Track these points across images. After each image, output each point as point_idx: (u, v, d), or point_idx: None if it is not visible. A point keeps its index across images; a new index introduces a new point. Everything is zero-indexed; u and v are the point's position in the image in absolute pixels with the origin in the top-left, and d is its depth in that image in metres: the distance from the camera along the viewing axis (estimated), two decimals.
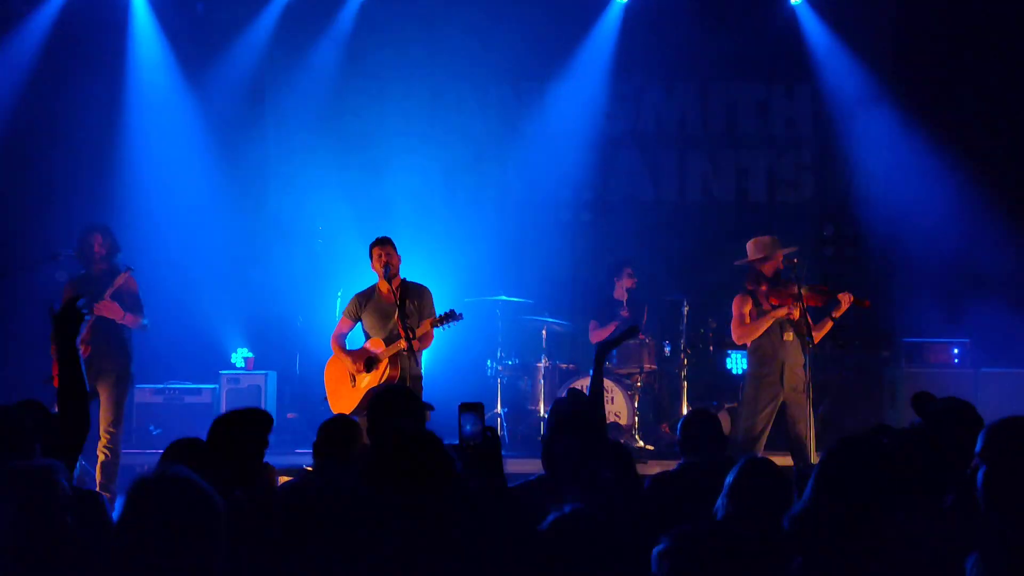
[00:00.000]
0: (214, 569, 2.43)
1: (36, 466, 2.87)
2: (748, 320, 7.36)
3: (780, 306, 7.25)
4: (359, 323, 7.49)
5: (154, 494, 2.48)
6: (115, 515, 3.04)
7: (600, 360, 5.10)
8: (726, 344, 9.40)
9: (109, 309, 7.30)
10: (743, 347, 8.20)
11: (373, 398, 4.22)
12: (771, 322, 7.27)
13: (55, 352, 7.01)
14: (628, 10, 10.43)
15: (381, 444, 3.02)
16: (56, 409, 3.98)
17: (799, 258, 7.36)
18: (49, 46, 9.69)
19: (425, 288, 7.48)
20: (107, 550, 2.57)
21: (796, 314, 7.18)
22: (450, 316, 7.20)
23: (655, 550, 2.58)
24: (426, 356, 7.49)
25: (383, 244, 7.39)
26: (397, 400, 4.21)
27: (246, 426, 3.91)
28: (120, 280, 7.37)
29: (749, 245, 7.52)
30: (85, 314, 3.97)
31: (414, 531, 2.64)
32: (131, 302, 7.44)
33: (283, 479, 5.36)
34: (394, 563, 2.50)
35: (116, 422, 7.36)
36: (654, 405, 9.39)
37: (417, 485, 2.79)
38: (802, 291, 7.15)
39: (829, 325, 7.32)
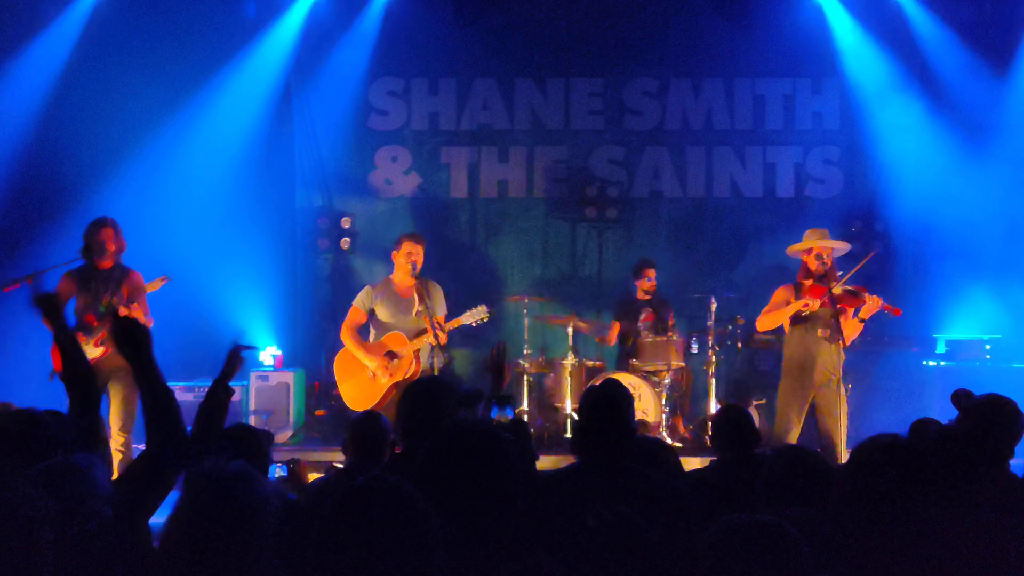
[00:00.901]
0: (265, 562, 2.41)
1: (76, 462, 2.88)
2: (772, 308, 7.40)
3: (805, 302, 7.24)
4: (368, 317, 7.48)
5: (213, 488, 2.46)
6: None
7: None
8: (754, 341, 9.37)
9: (133, 314, 7.29)
10: (770, 344, 8.20)
11: (407, 390, 4.11)
12: (790, 314, 7.27)
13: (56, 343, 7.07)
14: (653, 5, 10.38)
15: (439, 439, 2.93)
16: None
17: (843, 257, 7.38)
18: (77, 48, 9.74)
19: (437, 284, 7.49)
20: (149, 544, 2.57)
21: (815, 307, 7.15)
22: (481, 311, 7.22)
23: (702, 541, 2.55)
24: (453, 353, 7.49)
25: (417, 241, 7.38)
26: (434, 392, 4.08)
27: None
28: (157, 284, 7.36)
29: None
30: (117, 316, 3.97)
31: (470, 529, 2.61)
32: (145, 304, 7.44)
33: (312, 476, 5.37)
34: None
35: (130, 421, 7.37)
36: (681, 402, 9.35)
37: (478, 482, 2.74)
38: (834, 291, 7.13)
39: (860, 327, 7.30)
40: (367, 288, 7.57)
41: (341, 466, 4.92)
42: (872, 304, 7.11)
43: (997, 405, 4.07)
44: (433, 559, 2.22)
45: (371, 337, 7.88)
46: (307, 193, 10.52)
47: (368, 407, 7.16)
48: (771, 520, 2.52)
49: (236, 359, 4.11)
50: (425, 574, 2.19)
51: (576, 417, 8.82)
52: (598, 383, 4.16)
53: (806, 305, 7.21)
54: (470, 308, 7.41)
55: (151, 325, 7.43)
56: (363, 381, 7.32)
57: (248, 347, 4.27)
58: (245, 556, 2.38)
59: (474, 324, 7.38)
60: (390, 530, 2.20)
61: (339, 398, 8.24)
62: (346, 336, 7.50)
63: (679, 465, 4.30)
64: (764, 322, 7.52)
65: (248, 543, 2.39)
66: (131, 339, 3.41)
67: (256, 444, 4.15)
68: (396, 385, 7.19)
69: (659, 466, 4.03)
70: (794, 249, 7.56)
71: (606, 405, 3.73)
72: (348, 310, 8.04)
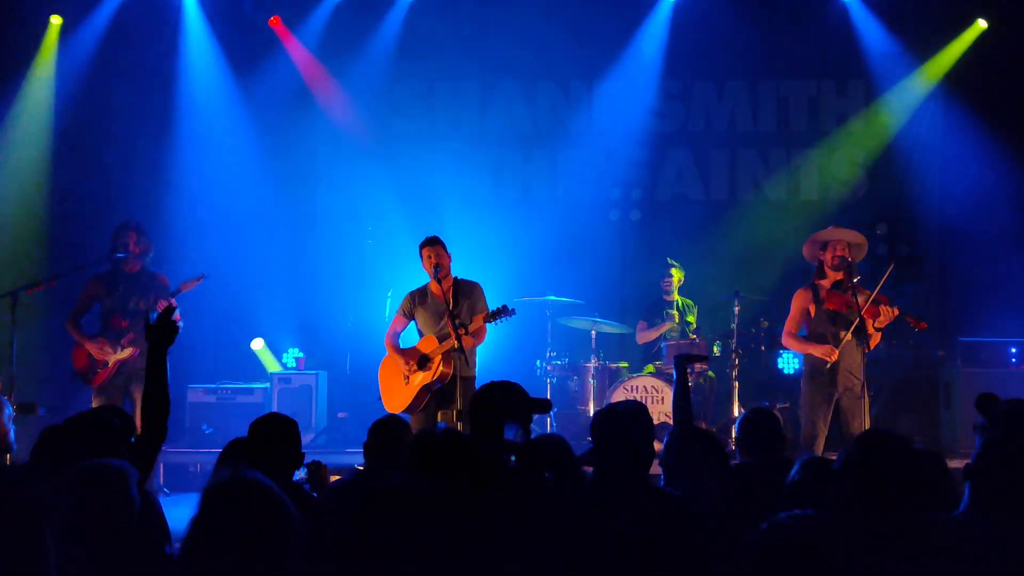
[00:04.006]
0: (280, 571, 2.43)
1: (108, 465, 2.90)
2: (796, 325, 7.33)
3: (822, 341, 7.18)
4: (412, 322, 7.51)
5: (230, 499, 2.48)
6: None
7: (682, 370, 5.05)
8: (777, 344, 9.31)
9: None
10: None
11: (478, 393, 4.16)
12: (808, 351, 7.22)
13: (96, 353, 7.11)
14: (677, 9, 10.35)
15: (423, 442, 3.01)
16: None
17: (860, 260, 7.32)
18: (102, 49, 9.81)
19: (476, 284, 7.47)
20: (169, 553, 2.59)
21: (835, 357, 7.09)
22: (502, 311, 7.18)
23: (744, 541, 2.55)
24: (478, 356, 7.47)
25: (432, 245, 7.38)
26: (511, 395, 4.08)
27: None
28: (192, 284, 7.39)
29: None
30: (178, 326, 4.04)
31: (469, 530, 2.64)
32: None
33: (334, 478, 5.37)
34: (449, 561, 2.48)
35: None
36: (704, 405, 9.31)
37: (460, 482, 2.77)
38: (859, 298, 7.06)
39: (879, 335, 7.24)
40: (408, 295, 7.59)
41: (362, 468, 4.92)
42: (886, 315, 7.03)
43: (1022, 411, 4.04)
44: (443, 558, 2.23)
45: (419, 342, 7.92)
46: (329, 195, 10.53)
47: (403, 408, 7.19)
48: (808, 522, 2.53)
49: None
50: (434, 573, 2.19)
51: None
52: (616, 395, 4.17)
53: (826, 355, 7.13)
54: (492, 308, 7.41)
55: (180, 327, 7.47)
56: (399, 385, 7.36)
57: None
58: (263, 564, 2.38)
59: (496, 324, 7.37)
60: (402, 530, 2.21)
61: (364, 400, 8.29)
62: (387, 342, 7.55)
63: (725, 457, 4.27)
64: (788, 344, 7.48)
65: (265, 551, 2.39)
66: (167, 337, 4.05)
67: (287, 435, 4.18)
68: (426, 387, 7.19)
69: (706, 456, 4.05)
70: (811, 244, 7.48)
71: (623, 431, 3.72)
72: (371, 312, 8.09)
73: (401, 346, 7.46)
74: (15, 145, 9.63)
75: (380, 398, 7.47)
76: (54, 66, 9.77)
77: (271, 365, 9.74)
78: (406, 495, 2.21)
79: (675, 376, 4.89)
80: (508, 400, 3.94)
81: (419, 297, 7.48)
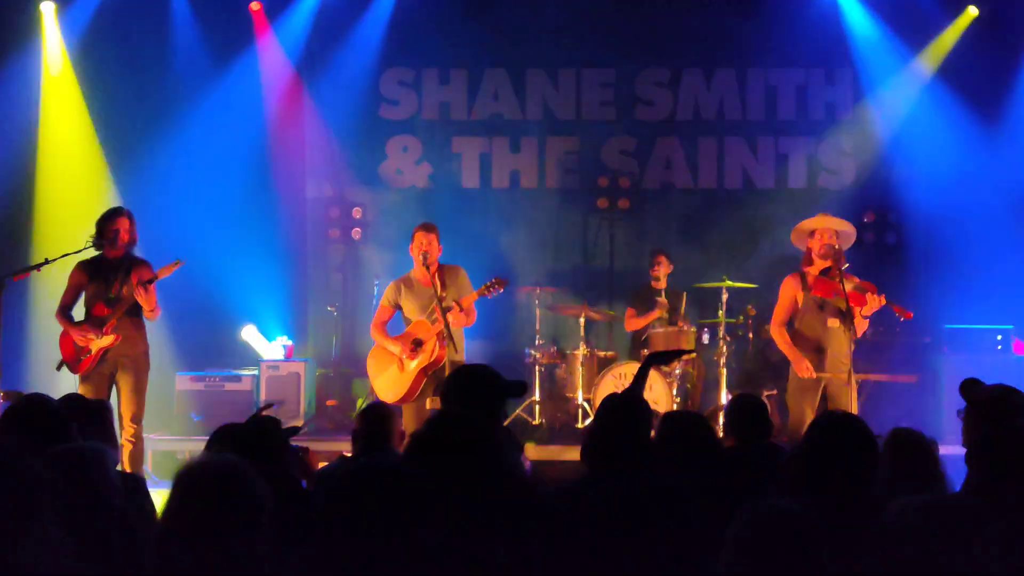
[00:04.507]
0: (259, 555, 2.43)
1: (86, 448, 2.89)
2: (785, 313, 7.35)
3: (810, 330, 7.21)
4: (399, 311, 7.52)
5: (202, 480, 2.48)
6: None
7: (647, 367, 5.00)
8: (765, 331, 9.34)
9: (147, 297, 7.28)
10: None
11: (451, 377, 4.04)
12: (790, 357, 7.24)
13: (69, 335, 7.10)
14: None
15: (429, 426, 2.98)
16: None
17: (845, 248, 7.34)
18: (89, 35, 9.76)
19: (459, 267, 7.49)
20: (152, 532, 2.59)
21: (809, 375, 7.11)
22: (495, 283, 7.22)
23: (730, 528, 2.57)
24: (466, 343, 7.49)
25: (428, 231, 7.38)
26: (479, 380, 3.96)
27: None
28: (169, 270, 7.34)
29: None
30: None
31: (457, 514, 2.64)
32: (154, 293, 7.43)
33: (322, 464, 5.38)
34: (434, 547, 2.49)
35: (140, 411, 7.37)
36: (692, 393, 9.34)
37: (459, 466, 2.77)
38: (846, 285, 7.08)
39: (866, 323, 7.27)
40: (392, 284, 7.59)
41: (349, 455, 4.93)
42: (874, 303, 7.06)
43: (1005, 396, 4.07)
44: (435, 536, 2.23)
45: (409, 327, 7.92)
46: (318, 183, 10.52)
47: (401, 395, 7.20)
48: (795, 507, 2.55)
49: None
50: (427, 551, 2.20)
51: (590, 414, 8.85)
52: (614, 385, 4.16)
53: (807, 369, 7.17)
54: (485, 281, 7.42)
55: (158, 315, 7.45)
56: (393, 372, 7.34)
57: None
58: (239, 546, 2.39)
59: (490, 296, 7.39)
60: (391, 507, 2.21)
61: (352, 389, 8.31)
62: (374, 332, 7.53)
63: (716, 442, 4.29)
64: (777, 336, 7.46)
65: (241, 534, 2.40)
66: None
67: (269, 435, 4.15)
68: (424, 370, 7.21)
69: (698, 441, 4.08)
70: (798, 231, 7.52)
71: (624, 417, 3.72)
72: (358, 299, 8.08)
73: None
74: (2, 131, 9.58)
75: (371, 390, 7.46)
76: (50, 50, 9.70)
77: (263, 351, 9.72)
78: (398, 476, 2.22)
79: (640, 372, 4.82)
80: (481, 384, 3.86)
81: (404, 285, 7.48)
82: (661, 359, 5.43)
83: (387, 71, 10.52)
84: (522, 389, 4.03)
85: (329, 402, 9.68)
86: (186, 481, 2.51)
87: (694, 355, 9.06)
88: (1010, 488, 3.08)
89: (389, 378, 7.35)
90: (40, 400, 3.98)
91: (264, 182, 10.10)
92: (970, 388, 4.39)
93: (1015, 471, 3.11)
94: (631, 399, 3.91)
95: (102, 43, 9.74)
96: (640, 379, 4.76)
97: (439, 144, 10.57)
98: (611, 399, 3.98)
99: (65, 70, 9.74)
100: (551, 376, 9.53)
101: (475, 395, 3.78)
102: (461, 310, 7.11)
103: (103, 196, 9.34)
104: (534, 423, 9.11)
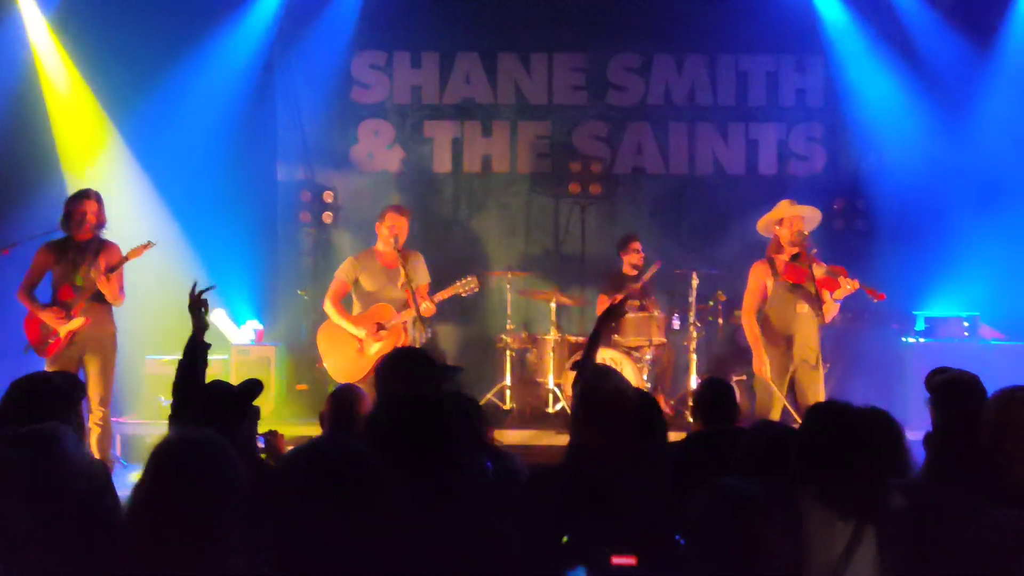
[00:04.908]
0: (232, 530, 2.43)
1: (42, 430, 2.87)
2: (755, 299, 7.39)
3: (780, 315, 7.26)
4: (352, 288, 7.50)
5: (178, 454, 2.47)
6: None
7: (598, 331, 4.94)
8: (735, 317, 9.40)
9: (109, 286, 7.24)
10: None
11: (387, 361, 4.04)
12: (754, 349, 7.29)
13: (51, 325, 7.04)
14: None
15: (388, 409, 2.99)
16: None
17: (812, 233, 7.40)
18: (55, 18, 9.64)
19: (419, 254, 7.51)
20: (118, 513, 2.58)
21: (761, 373, 7.16)
22: (471, 282, 7.23)
23: (687, 508, 2.59)
24: (439, 328, 7.50)
25: (402, 214, 7.39)
26: (415, 364, 4.02)
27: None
28: (139, 251, 7.30)
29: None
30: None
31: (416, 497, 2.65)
32: (121, 278, 7.39)
33: (289, 448, 5.37)
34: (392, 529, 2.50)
35: (107, 394, 7.35)
36: (662, 378, 9.39)
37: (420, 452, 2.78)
38: (815, 270, 7.13)
39: (836, 307, 7.33)
40: (350, 259, 7.58)
41: (318, 438, 4.91)
42: (847, 287, 7.12)
43: (960, 381, 4.15)
44: (394, 519, 2.24)
45: (355, 309, 7.87)
46: (289, 167, 10.46)
47: (358, 379, 7.17)
48: (747, 487, 2.57)
49: (199, 306, 4.19)
50: (386, 533, 2.21)
51: (561, 399, 8.87)
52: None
53: (756, 366, 7.26)
54: (459, 279, 7.41)
55: (123, 301, 7.40)
56: (351, 353, 7.33)
57: (206, 288, 4.35)
58: (213, 522, 2.39)
59: (464, 295, 7.40)
60: (348, 491, 2.22)
61: (323, 372, 8.26)
62: (330, 307, 7.49)
63: (665, 427, 4.32)
64: (746, 324, 7.51)
65: (215, 509, 2.40)
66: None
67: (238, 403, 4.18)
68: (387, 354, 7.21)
69: (648, 423, 4.09)
70: (765, 221, 7.57)
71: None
72: (329, 283, 8.03)
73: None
74: None
75: (320, 364, 7.41)
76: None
77: (231, 336, 9.68)
78: (346, 457, 2.22)
79: (592, 336, 4.79)
80: (415, 369, 3.85)
81: (364, 261, 7.46)
82: (612, 314, 5.29)
83: (359, 54, 10.47)
84: (455, 372, 4.05)
85: (299, 386, 9.66)
86: (163, 455, 2.50)
87: (664, 341, 9.10)
88: (961, 470, 3.14)
89: (346, 359, 7.33)
90: (43, 377, 4.00)
91: (235, 165, 10.00)
92: (930, 376, 4.46)
93: (963, 454, 3.17)
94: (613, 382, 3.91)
95: (68, 21, 9.61)
96: (593, 344, 4.75)
97: (411, 128, 10.54)
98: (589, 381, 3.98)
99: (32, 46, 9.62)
100: (522, 361, 9.55)
101: (410, 378, 3.79)
102: (430, 300, 7.11)
103: (72, 179, 9.24)
104: (505, 408, 9.13)
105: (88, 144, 9.72)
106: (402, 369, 3.91)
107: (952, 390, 4.14)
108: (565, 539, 2.97)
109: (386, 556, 2.18)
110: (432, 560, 2.43)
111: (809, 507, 2.91)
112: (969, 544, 2.95)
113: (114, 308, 7.45)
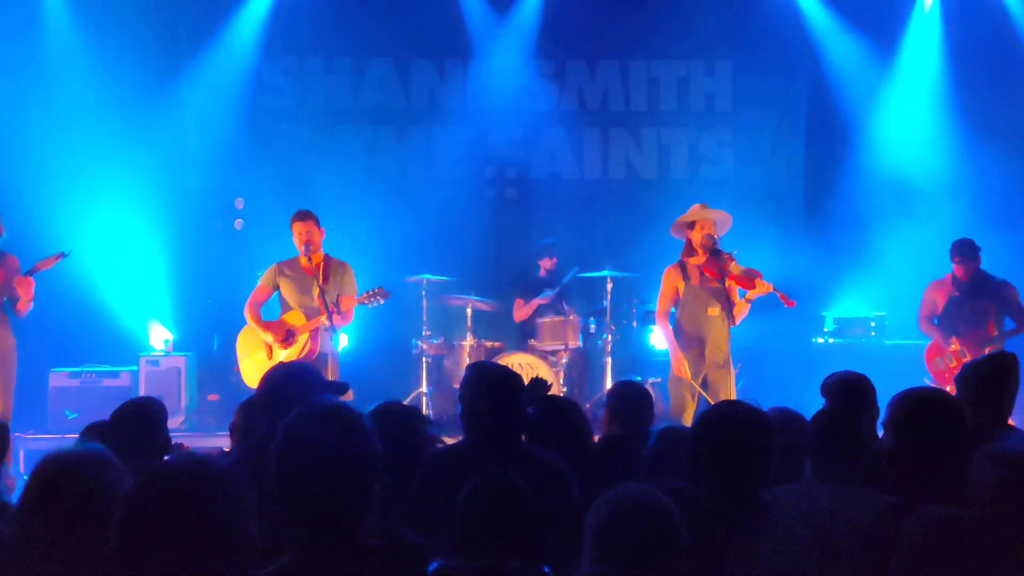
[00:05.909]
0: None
1: None
2: (668, 302, 7.47)
3: (692, 319, 7.35)
4: (276, 293, 7.41)
5: (58, 470, 2.42)
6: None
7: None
8: (650, 320, 9.47)
9: (25, 288, 7.05)
10: None
11: (273, 373, 3.90)
12: (671, 349, 7.37)
13: None
14: None
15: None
16: None
17: (726, 234, 7.49)
18: None
19: (348, 265, 7.43)
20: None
21: (679, 372, 7.25)
22: (378, 293, 7.15)
23: (589, 515, 2.59)
24: (350, 334, 7.43)
25: (304, 219, 7.29)
26: (302, 378, 3.91)
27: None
28: (50, 262, 7.12)
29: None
30: None
31: None
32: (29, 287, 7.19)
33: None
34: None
35: (7, 408, 7.14)
36: (579, 382, 9.42)
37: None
38: (730, 271, 7.23)
39: (747, 308, 7.43)
40: (274, 265, 7.49)
41: (227, 451, 4.82)
42: (761, 289, 7.22)
43: (848, 382, 4.27)
44: (243, 532, 2.21)
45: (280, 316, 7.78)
46: (199, 173, 10.27)
47: None
48: (651, 493, 2.58)
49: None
50: (234, 549, 2.18)
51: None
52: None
53: (674, 365, 7.34)
54: (368, 289, 7.35)
55: (30, 308, 7.20)
56: (261, 358, 7.24)
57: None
58: (94, 538, 2.33)
59: (371, 305, 7.32)
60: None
61: (235, 382, 8.13)
62: (248, 312, 7.41)
63: (588, 427, 4.34)
64: (661, 325, 7.58)
65: (96, 526, 2.35)
66: None
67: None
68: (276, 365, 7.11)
69: (570, 424, 4.14)
70: (679, 223, 7.64)
71: (498, 386, 3.73)
72: (241, 292, 7.91)
73: (263, 318, 7.36)
74: None
75: (238, 368, 7.34)
76: None
77: (164, 346, 9.50)
78: (188, 475, 2.17)
79: None
80: (298, 384, 3.75)
81: (286, 268, 7.39)
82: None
83: (270, 59, 10.33)
84: (344, 389, 3.98)
85: (211, 396, 9.49)
86: (43, 470, 2.47)
87: (579, 344, 9.14)
88: (839, 471, 3.21)
89: (256, 363, 7.25)
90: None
91: (144, 173, 9.79)
92: (825, 380, 4.58)
93: (836, 454, 3.25)
94: (497, 372, 3.91)
95: None
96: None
97: (324, 133, 10.42)
98: (479, 370, 3.98)
99: None
100: (438, 367, 9.50)
101: (294, 394, 3.67)
102: (338, 312, 7.04)
103: None
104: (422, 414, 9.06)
105: None
106: (284, 384, 3.75)
107: (839, 391, 4.25)
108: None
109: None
110: None
111: (708, 507, 2.96)
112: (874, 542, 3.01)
113: (13, 319, 7.23)
